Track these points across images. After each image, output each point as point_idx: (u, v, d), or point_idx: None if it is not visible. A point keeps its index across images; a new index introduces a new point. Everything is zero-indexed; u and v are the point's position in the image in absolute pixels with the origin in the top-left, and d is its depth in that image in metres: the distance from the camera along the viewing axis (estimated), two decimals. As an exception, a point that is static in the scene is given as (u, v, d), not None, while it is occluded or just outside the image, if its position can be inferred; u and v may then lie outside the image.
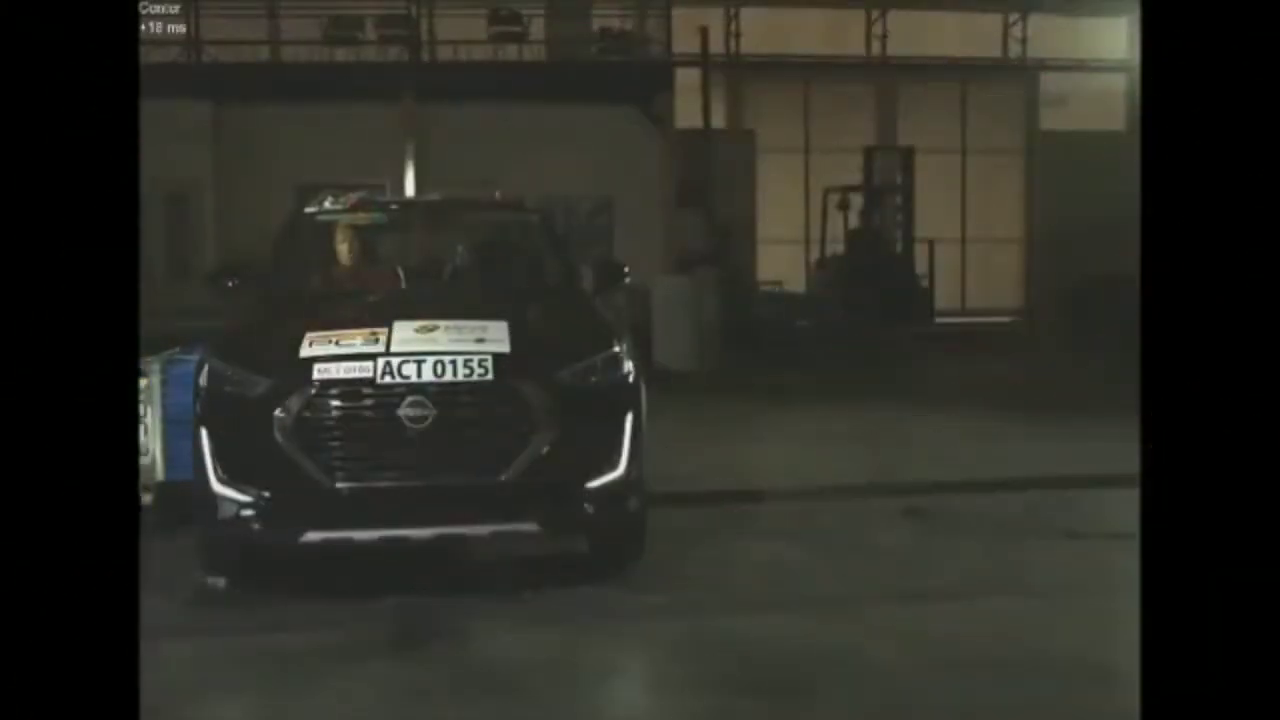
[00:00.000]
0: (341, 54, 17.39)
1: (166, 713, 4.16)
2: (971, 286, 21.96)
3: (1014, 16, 22.23)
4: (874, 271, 17.89)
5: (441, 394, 5.23)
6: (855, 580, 5.72)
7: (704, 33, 17.94)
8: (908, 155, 19.17)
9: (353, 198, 7.24)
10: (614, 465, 5.45)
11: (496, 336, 5.45)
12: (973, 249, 22.15)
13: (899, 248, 19.16)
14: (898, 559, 6.05)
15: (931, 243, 19.36)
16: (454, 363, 5.27)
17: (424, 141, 16.80)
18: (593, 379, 5.52)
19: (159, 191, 15.20)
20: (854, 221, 18.82)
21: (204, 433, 5.46)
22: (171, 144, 14.63)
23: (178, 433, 6.37)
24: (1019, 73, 22.20)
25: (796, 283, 19.93)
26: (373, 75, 17.08)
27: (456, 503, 5.27)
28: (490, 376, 5.27)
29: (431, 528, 5.30)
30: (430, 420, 5.20)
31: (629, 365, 5.69)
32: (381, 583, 5.61)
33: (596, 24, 18.30)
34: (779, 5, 21.56)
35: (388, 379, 5.23)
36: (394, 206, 7.29)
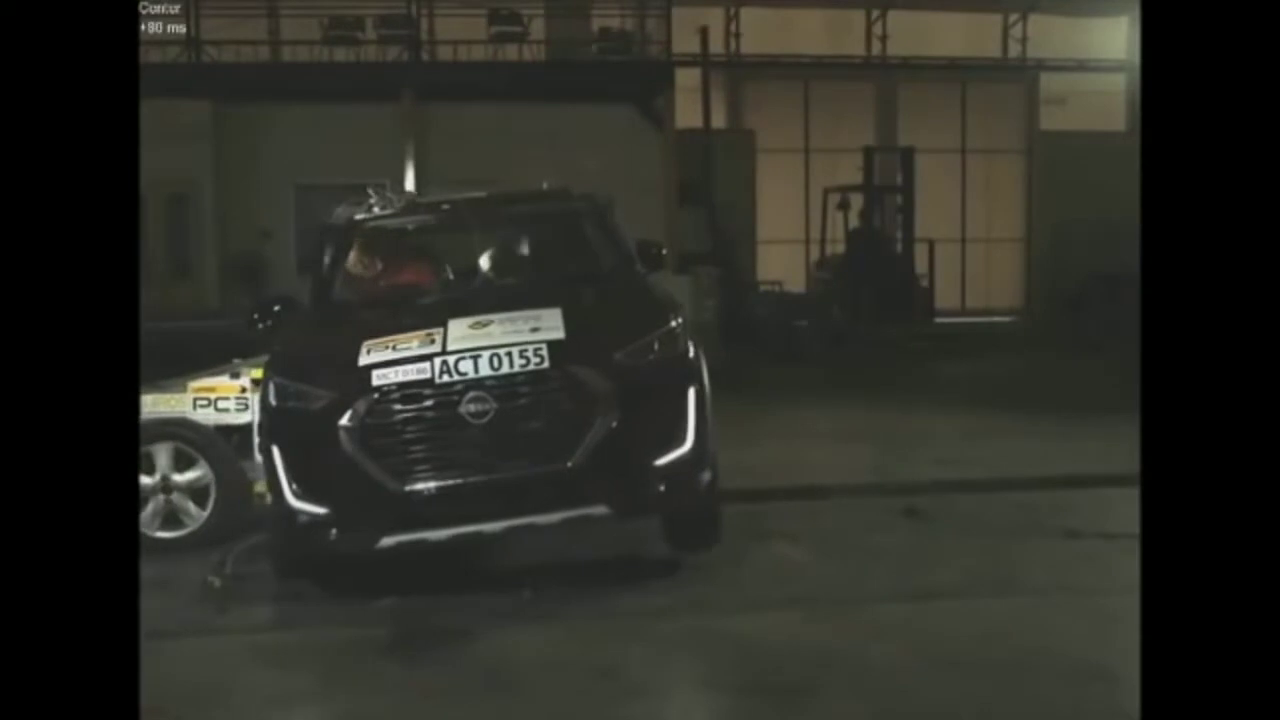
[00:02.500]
0: (341, 54, 17.38)
1: (166, 713, 4.16)
2: (971, 286, 21.96)
3: (1014, 16, 22.24)
4: (874, 271, 17.90)
5: (501, 387, 5.24)
6: (855, 580, 5.72)
7: (704, 33, 17.95)
8: (908, 155, 19.18)
9: (399, 202, 7.24)
10: (680, 441, 5.42)
11: (551, 324, 5.47)
12: (973, 249, 22.16)
13: (899, 248, 19.18)
14: (898, 559, 6.05)
15: (931, 243, 19.37)
16: (510, 354, 5.29)
17: (424, 141, 16.80)
18: (651, 357, 5.50)
19: (159, 191, 15.19)
20: (854, 221, 18.82)
21: (275, 450, 5.50)
22: (171, 144, 14.63)
23: None
24: (1019, 73, 22.21)
25: (796, 283, 19.93)
26: (373, 75, 17.08)
27: (525, 493, 5.27)
28: (547, 364, 5.27)
29: (502, 520, 5.29)
30: (492, 414, 5.21)
31: (688, 341, 5.67)
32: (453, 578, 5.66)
33: (596, 24, 18.30)
34: (779, 5, 21.56)
35: (446, 378, 5.25)
36: (443, 207, 7.26)
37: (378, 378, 5.29)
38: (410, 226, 7.14)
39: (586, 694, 4.44)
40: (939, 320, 19.20)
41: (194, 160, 16.22)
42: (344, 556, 5.56)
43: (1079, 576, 5.66)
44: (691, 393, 5.50)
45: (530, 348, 5.30)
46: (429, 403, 5.26)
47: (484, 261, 6.87)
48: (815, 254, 19.93)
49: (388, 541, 5.31)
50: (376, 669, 4.86)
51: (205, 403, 6.78)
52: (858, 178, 19.38)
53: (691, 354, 5.65)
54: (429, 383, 5.26)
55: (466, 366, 5.27)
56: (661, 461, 5.38)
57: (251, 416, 6.66)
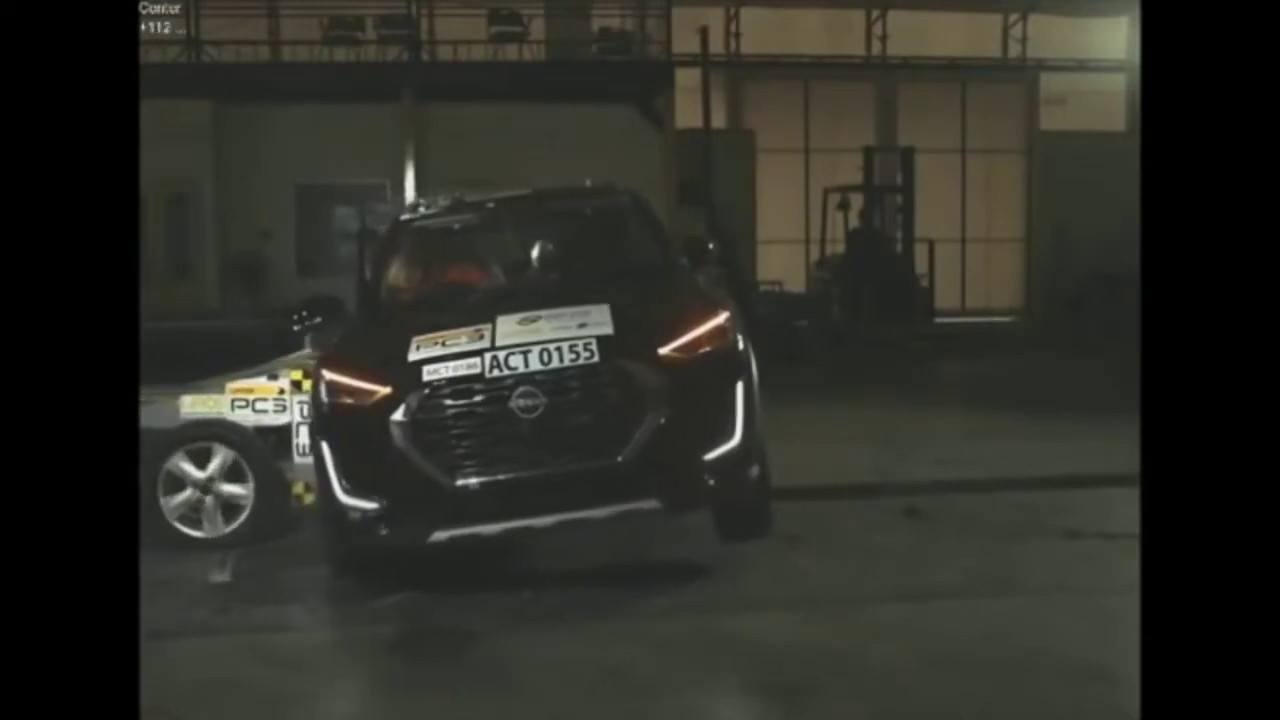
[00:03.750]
0: (341, 54, 17.38)
1: (166, 713, 4.16)
2: (971, 286, 21.95)
3: (1014, 16, 22.23)
4: (874, 271, 17.89)
5: (550, 381, 5.26)
6: (855, 580, 5.72)
7: (704, 33, 17.93)
8: (908, 155, 19.17)
9: (445, 201, 7.29)
10: (730, 435, 5.44)
11: (599, 319, 5.48)
12: (973, 249, 22.15)
13: (899, 248, 19.17)
14: (898, 559, 6.05)
15: (931, 243, 19.36)
16: (559, 349, 5.30)
17: (424, 141, 16.79)
18: (699, 351, 5.51)
19: (159, 191, 15.18)
20: (854, 221, 18.82)
21: (325, 446, 5.53)
22: (171, 144, 14.62)
23: None
24: (1019, 73, 22.19)
25: (796, 283, 19.91)
26: (373, 75, 17.07)
27: (576, 488, 5.28)
28: (596, 359, 5.29)
29: (553, 515, 5.30)
30: (542, 409, 5.23)
31: (735, 334, 5.67)
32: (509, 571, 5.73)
33: (596, 24, 18.29)
34: (779, 5, 21.55)
35: (496, 372, 5.27)
36: (487, 205, 7.29)
37: (428, 373, 5.32)
38: (456, 225, 7.19)
39: (589, 694, 4.44)
40: (939, 320, 19.18)
41: (194, 160, 16.21)
42: (394, 551, 5.57)
43: (1079, 576, 5.65)
44: (740, 386, 5.52)
45: (580, 343, 5.32)
46: (479, 398, 5.28)
47: (530, 258, 6.90)
48: (815, 254, 19.92)
49: (439, 536, 5.32)
50: (377, 669, 4.87)
51: (243, 404, 6.81)
52: (858, 178, 19.37)
53: (740, 347, 5.65)
54: (479, 378, 5.28)
55: (516, 361, 5.28)
56: (711, 455, 5.40)
57: (290, 417, 6.75)
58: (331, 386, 5.57)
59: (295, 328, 6.70)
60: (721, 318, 5.68)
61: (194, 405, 6.79)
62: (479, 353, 5.33)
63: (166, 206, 16.08)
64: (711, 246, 6.84)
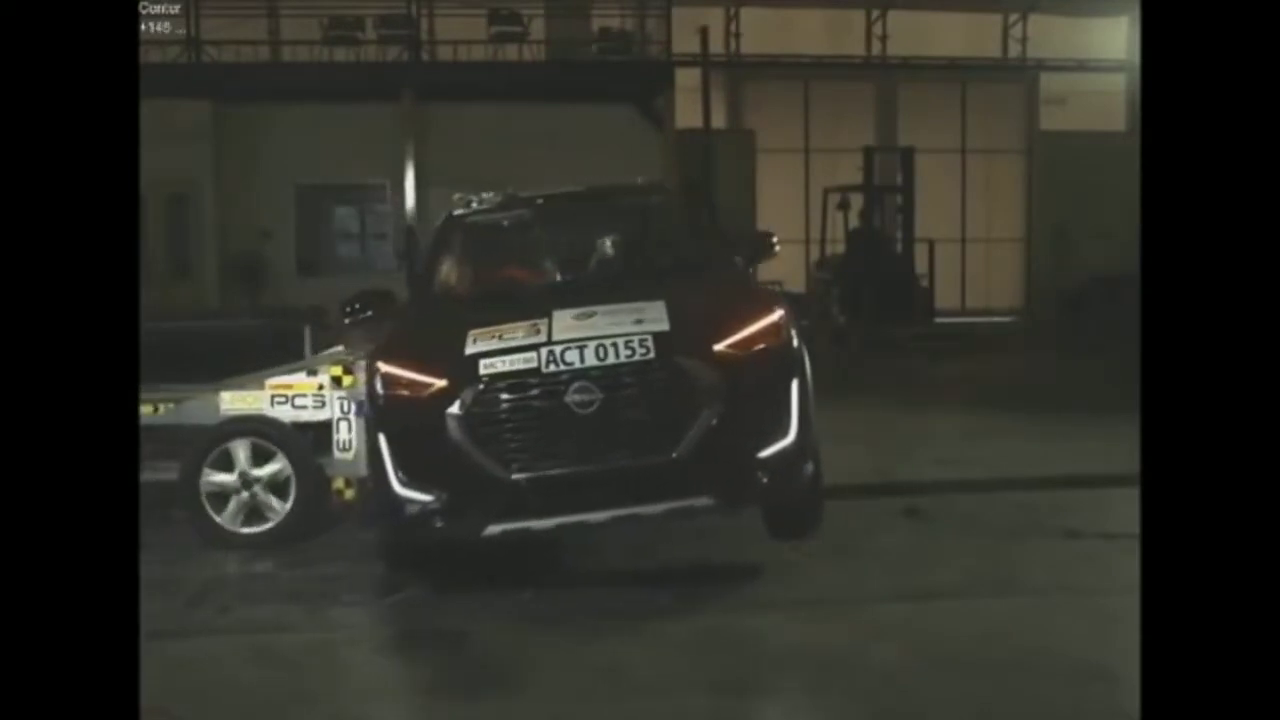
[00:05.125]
0: (341, 54, 17.37)
1: (166, 713, 4.16)
2: (971, 286, 21.93)
3: (1014, 16, 22.22)
4: (874, 271, 17.87)
5: (606, 377, 5.26)
6: (855, 580, 5.72)
7: (704, 33, 17.93)
8: (908, 155, 19.15)
9: (499, 197, 7.32)
10: (784, 433, 5.44)
11: (655, 316, 5.49)
12: (973, 249, 22.13)
13: (899, 248, 19.14)
14: (898, 559, 6.05)
15: (931, 243, 19.33)
16: (615, 345, 5.31)
17: (424, 141, 16.79)
18: (755, 348, 5.51)
19: (159, 191, 15.18)
20: (854, 221, 18.80)
21: (381, 437, 5.54)
22: (171, 144, 14.62)
23: None
24: (1019, 73, 22.18)
25: (796, 283, 19.90)
26: (373, 75, 17.07)
27: (630, 483, 5.28)
28: (652, 355, 5.29)
29: (607, 510, 5.29)
30: (598, 404, 5.23)
31: (790, 332, 5.68)
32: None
33: (596, 24, 18.29)
34: (779, 5, 21.55)
35: (552, 367, 5.27)
36: (538, 201, 7.31)
37: (484, 367, 5.33)
38: (508, 221, 7.21)
39: (587, 693, 4.44)
40: (939, 320, 19.16)
41: (194, 160, 16.21)
42: (449, 544, 5.59)
43: (1079, 576, 5.66)
44: (795, 384, 5.53)
45: (636, 339, 5.33)
46: (535, 392, 5.28)
47: (583, 254, 6.93)
48: (815, 254, 19.90)
49: (493, 529, 5.32)
50: (377, 669, 4.87)
51: (282, 399, 6.86)
52: (858, 178, 19.34)
53: (795, 345, 5.66)
54: (535, 372, 5.29)
55: (572, 356, 5.29)
56: (765, 453, 5.39)
57: (329, 413, 6.81)
58: (387, 378, 5.58)
59: (346, 320, 6.75)
60: (776, 315, 5.68)
61: (233, 401, 6.86)
62: (535, 347, 5.35)
63: (166, 206, 16.08)
64: (776, 241, 6.82)
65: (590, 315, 5.54)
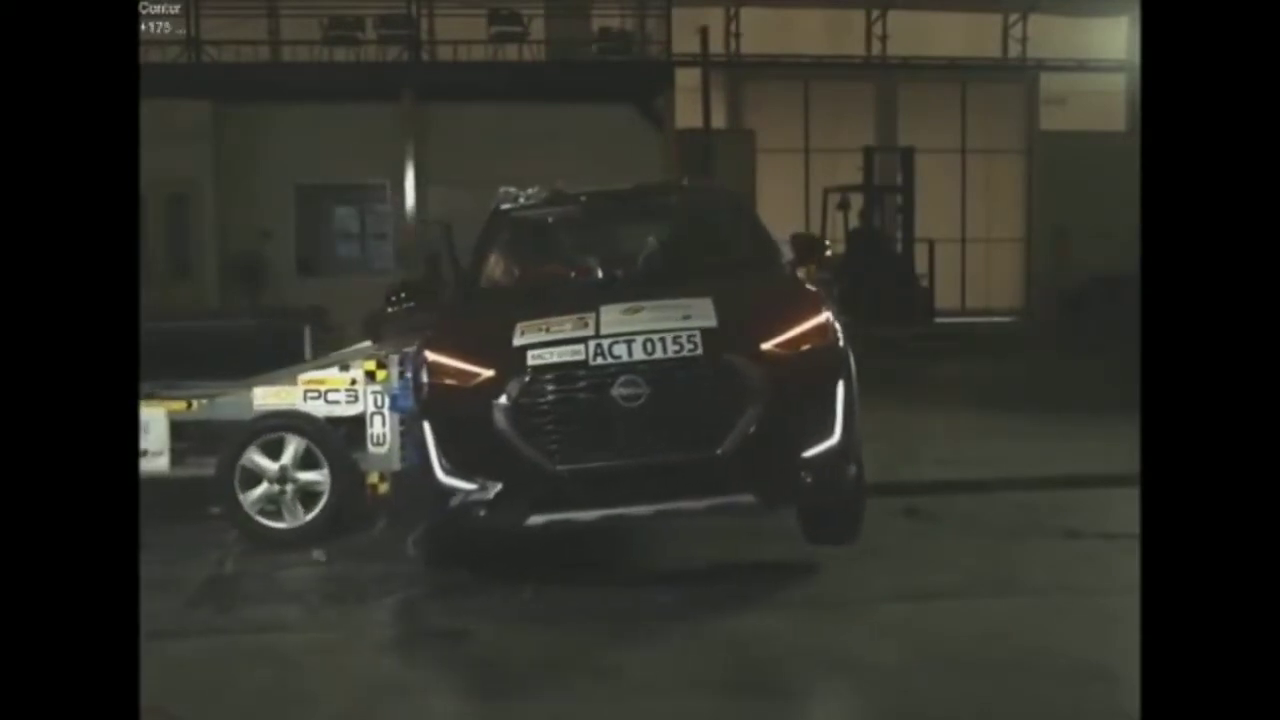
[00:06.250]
0: (341, 54, 17.37)
1: (166, 713, 4.16)
2: (971, 286, 21.95)
3: (1014, 16, 22.23)
4: (874, 271, 17.87)
5: (653, 372, 5.26)
6: (855, 580, 5.72)
7: (704, 33, 17.93)
8: (908, 155, 19.16)
9: (545, 192, 7.35)
10: (829, 433, 5.44)
11: (702, 312, 5.49)
12: (973, 249, 22.15)
13: (899, 248, 19.15)
14: (898, 559, 6.05)
15: (931, 243, 19.35)
16: (663, 340, 5.31)
17: (424, 141, 16.79)
18: (802, 349, 5.52)
19: (159, 191, 15.17)
20: (854, 221, 18.81)
21: (426, 426, 5.55)
22: (171, 144, 14.62)
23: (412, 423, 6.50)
24: (1019, 73, 22.20)
25: (796, 283, 19.87)
26: (373, 75, 17.07)
27: (675, 478, 5.28)
28: (700, 351, 5.29)
29: (650, 504, 5.31)
30: (644, 398, 5.23)
31: (837, 333, 5.67)
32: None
33: (596, 24, 18.29)
34: (779, 5, 21.55)
35: (600, 360, 5.29)
36: (585, 197, 7.33)
37: (532, 358, 5.34)
38: (555, 217, 7.24)
39: (586, 694, 4.44)
40: (939, 320, 19.17)
41: (194, 160, 16.20)
42: (491, 533, 5.59)
43: (1079, 576, 5.66)
44: (841, 385, 5.53)
45: (684, 334, 5.33)
46: (582, 384, 5.29)
47: (630, 251, 6.96)
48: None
49: (536, 520, 5.33)
50: (378, 669, 4.86)
51: (315, 394, 6.87)
52: (858, 178, 19.36)
53: (841, 346, 5.66)
54: (582, 364, 5.30)
55: (620, 350, 5.30)
56: (810, 453, 5.40)
57: (362, 408, 6.82)
58: (435, 367, 5.60)
59: (389, 310, 6.78)
60: (824, 316, 5.68)
61: (266, 398, 6.87)
62: (583, 340, 5.36)
63: (166, 206, 16.07)
64: (828, 243, 6.87)
65: (638, 310, 5.55)
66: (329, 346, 7.96)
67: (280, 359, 7.31)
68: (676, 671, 4.64)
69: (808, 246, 6.83)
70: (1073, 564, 5.88)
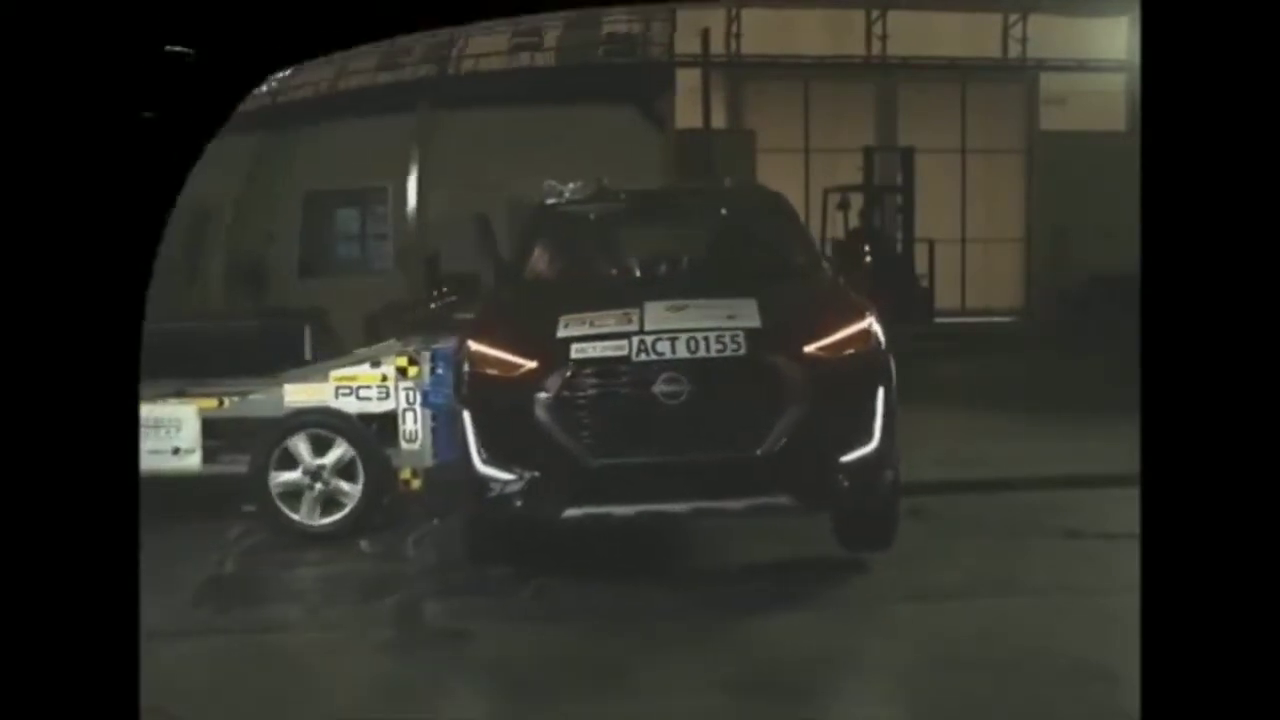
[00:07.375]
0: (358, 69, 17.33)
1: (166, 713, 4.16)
2: (971, 286, 21.90)
3: (1014, 16, 22.19)
4: (874, 271, 17.85)
5: (695, 370, 5.28)
6: (856, 580, 5.72)
7: (705, 34, 17.93)
8: (908, 155, 19.15)
9: (589, 188, 7.36)
10: (868, 438, 5.45)
11: (746, 313, 5.50)
12: (973, 249, 22.10)
13: (899, 248, 19.14)
14: (898, 559, 6.05)
15: (931, 243, 19.32)
16: (707, 339, 5.33)
17: (430, 144, 16.79)
18: (843, 353, 5.53)
19: (185, 208, 15.13)
20: (854, 221, 18.80)
21: (467, 416, 5.56)
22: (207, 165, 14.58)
23: (444, 419, 6.57)
24: (1019, 73, 22.14)
25: (797, 283, 19.87)
26: (392, 92, 17.04)
27: (712, 477, 5.31)
28: (743, 351, 5.31)
29: (687, 502, 5.33)
30: (685, 396, 5.25)
31: (879, 339, 5.68)
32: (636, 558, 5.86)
33: (605, 30, 18.30)
34: (779, 5, 21.53)
35: (643, 356, 5.30)
36: (627, 195, 7.35)
37: (575, 351, 5.36)
38: (598, 214, 7.25)
39: (587, 694, 4.44)
40: (939, 320, 19.15)
41: (222, 179, 16.17)
42: (528, 524, 5.61)
43: (1079, 576, 5.66)
44: (881, 391, 5.54)
45: (727, 334, 5.35)
46: (624, 379, 5.32)
47: (674, 249, 6.98)
48: (815, 254, 19.87)
49: (572, 513, 5.35)
50: (375, 669, 4.87)
51: (347, 391, 6.89)
52: (858, 178, 19.33)
53: (883, 352, 5.67)
54: (625, 360, 5.31)
55: (664, 347, 5.32)
56: (848, 458, 5.41)
57: (394, 404, 6.85)
58: (477, 357, 5.61)
59: (433, 305, 6.79)
60: (867, 321, 5.69)
61: (298, 394, 6.89)
62: (626, 335, 5.38)
63: (190, 219, 16.06)
64: (867, 249, 6.88)
65: (682, 308, 5.57)
66: (329, 347, 7.96)
67: (280, 359, 7.31)
68: (677, 672, 4.64)
69: (849, 251, 6.87)
70: (1073, 564, 5.88)
